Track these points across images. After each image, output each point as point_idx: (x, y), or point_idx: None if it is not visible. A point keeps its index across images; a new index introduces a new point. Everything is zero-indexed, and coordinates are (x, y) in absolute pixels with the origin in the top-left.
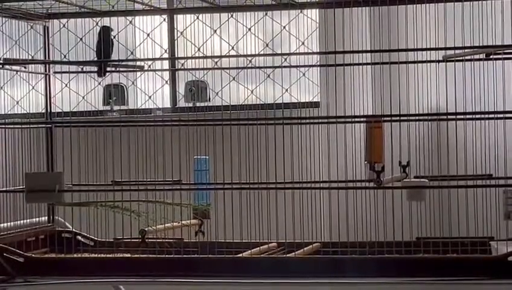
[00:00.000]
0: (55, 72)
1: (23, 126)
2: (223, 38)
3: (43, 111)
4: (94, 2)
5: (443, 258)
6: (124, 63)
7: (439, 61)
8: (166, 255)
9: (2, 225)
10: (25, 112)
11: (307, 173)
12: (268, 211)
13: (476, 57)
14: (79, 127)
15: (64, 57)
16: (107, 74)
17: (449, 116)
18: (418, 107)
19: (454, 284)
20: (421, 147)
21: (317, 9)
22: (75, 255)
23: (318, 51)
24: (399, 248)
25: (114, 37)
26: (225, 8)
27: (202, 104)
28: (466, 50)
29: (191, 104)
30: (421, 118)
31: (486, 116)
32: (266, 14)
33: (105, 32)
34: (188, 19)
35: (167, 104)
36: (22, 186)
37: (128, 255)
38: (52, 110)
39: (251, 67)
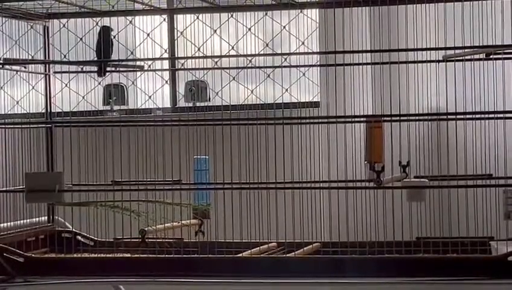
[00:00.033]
0: (55, 72)
1: (23, 126)
2: (223, 38)
3: (43, 111)
4: (94, 2)
5: (443, 258)
6: (124, 63)
7: (439, 61)
8: (166, 255)
9: (2, 225)
10: (25, 112)
11: (307, 173)
12: (268, 211)
13: (476, 57)
14: (79, 127)
15: (64, 57)
16: (107, 73)
17: (449, 116)
18: (418, 107)
19: (454, 284)
20: (421, 147)
21: (317, 9)
22: (75, 255)
23: (318, 50)
24: (399, 247)
25: (114, 37)
26: (225, 8)
27: (202, 104)
28: (466, 50)
29: (191, 104)
30: (421, 118)
31: (486, 116)
32: (266, 14)
33: (105, 32)
34: (188, 18)
35: (167, 104)
36: (22, 186)
37: (128, 255)
38: (52, 110)
39: (251, 67)
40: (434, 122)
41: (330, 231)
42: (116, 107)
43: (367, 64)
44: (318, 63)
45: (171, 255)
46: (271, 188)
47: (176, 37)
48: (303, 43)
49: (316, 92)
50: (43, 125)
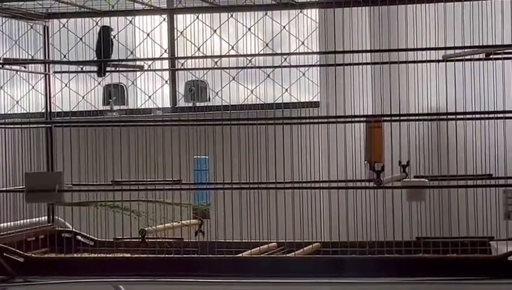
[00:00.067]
0: (55, 72)
1: (23, 126)
2: (223, 38)
3: (43, 111)
4: (94, 2)
5: (443, 258)
6: (123, 62)
7: (439, 61)
8: (166, 255)
9: (2, 225)
10: (25, 111)
11: (307, 173)
12: (268, 211)
13: (476, 56)
14: (79, 127)
15: (64, 56)
16: (107, 73)
17: (449, 116)
18: (418, 107)
19: (454, 284)
20: (421, 147)
21: (317, 9)
22: (75, 255)
23: (318, 50)
24: (399, 247)
25: (114, 36)
26: (225, 8)
27: (202, 104)
28: (466, 50)
29: (190, 104)
30: (421, 117)
31: (486, 116)
32: (266, 14)
33: (105, 32)
34: (188, 18)
35: (167, 104)
36: (22, 186)
37: (128, 255)
38: (52, 110)
39: (251, 67)
40: (434, 122)
41: (330, 231)
42: (116, 107)
43: (367, 64)
44: (318, 63)
45: (171, 255)
46: (271, 188)
47: (175, 37)
48: (303, 43)
49: (315, 92)
50: (43, 125)
